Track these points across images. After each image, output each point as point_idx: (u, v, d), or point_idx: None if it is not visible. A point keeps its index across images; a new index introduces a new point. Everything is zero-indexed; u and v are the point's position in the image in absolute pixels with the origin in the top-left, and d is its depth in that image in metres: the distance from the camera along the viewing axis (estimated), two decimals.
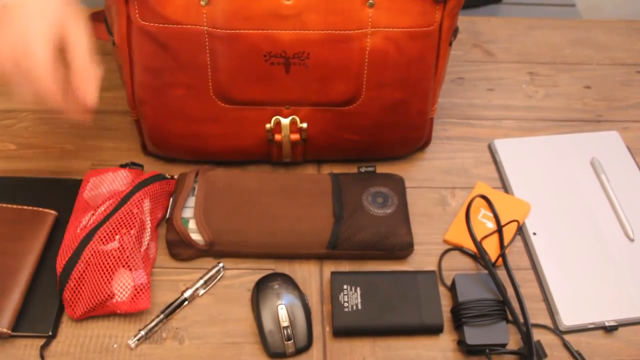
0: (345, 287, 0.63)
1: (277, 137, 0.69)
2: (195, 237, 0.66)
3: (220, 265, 0.66)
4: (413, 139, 0.74)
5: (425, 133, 0.74)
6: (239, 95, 0.66)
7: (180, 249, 0.66)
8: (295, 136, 0.69)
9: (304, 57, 0.63)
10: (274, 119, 0.68)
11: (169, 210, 0.68)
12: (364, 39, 0.63)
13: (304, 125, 0.68)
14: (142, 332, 0.61)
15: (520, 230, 0.71)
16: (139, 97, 0.68)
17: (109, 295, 0.60)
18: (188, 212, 0.67)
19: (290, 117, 0.68)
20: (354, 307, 0.62)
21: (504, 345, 0.61)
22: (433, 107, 0.72)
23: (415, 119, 0.71)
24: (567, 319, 0.63)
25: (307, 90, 0.66)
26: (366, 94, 0.66)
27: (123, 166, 0.70)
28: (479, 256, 0.67)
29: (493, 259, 0.67)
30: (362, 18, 0.62)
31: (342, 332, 0.62)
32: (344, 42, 0.63)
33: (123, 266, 0.61)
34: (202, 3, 0.60)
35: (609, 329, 0.63)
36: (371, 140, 0.71)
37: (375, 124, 0.70)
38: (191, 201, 0.68)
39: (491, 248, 0.68)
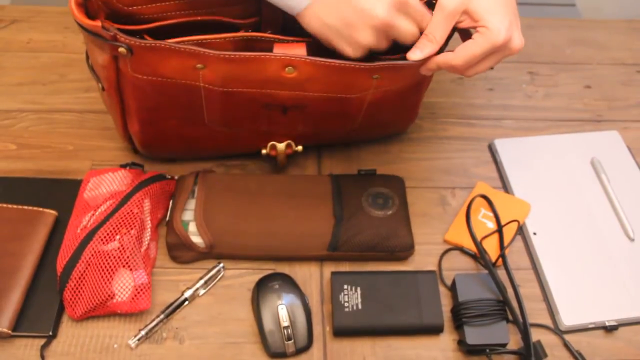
0: (345, 287, 0.63)
1: (273, 153, 0.71)
2: (196, 239, 0.65)
3: (221, 265, 0.66)
4: (403, 126, 0.78)
5: (413, 119, 0.77)
6: (234, 126, 0.67)
7: (181, 251, 0.66)
8: (289, 151, 0.71)
9: (302, 107, 0.64)
10: (270, 144, 0.70)
11: (169, 212, 0.68)
12: (364, 97, 0.63)
13: (299, 148, 0.71)
14: (143, 332, 0.61)
15: (521, 230, 0.71)
16: (132, 128, 0.68)
17: (109, 295, 0.60)
18: (188, 215, 0.67)
19: (286, 142, 0.70)
20: (354, 307, 0.62)
21: (504, 345, 0.61)
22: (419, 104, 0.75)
23: (404, 123, 0.76)
24: (567, 319, 0.63)
25: (303, 125, 0.68)
26: (361, 123, 0.69)
27: (123, 166, 0.70)
28: (479, 256, 0.67)
29: (493, 259, 0.67)
30: (365, 86, 0.62)
31: (343, 332, 0.62)
32: (344, 100, 0.63)
33: (123, 266, 0.61)
34: (198, 66, 0.58)
35: (609, 329, 0.63)
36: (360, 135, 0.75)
37: (367, 132, 0.73)
38: (191, 204, 0.68)
39: (491, 248, 0.68)
